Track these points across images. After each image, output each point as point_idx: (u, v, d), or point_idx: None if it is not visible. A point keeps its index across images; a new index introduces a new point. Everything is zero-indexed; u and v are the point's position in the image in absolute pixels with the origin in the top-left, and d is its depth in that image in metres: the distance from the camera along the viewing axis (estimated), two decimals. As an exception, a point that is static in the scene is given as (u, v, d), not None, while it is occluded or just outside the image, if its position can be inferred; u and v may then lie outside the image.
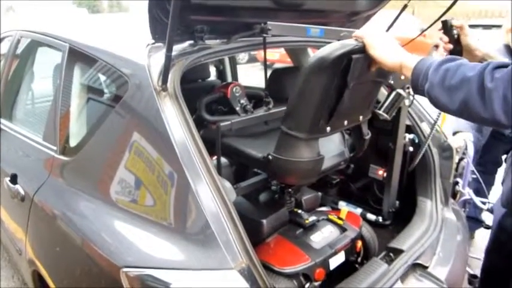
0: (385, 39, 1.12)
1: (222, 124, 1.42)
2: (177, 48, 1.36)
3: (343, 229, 1.64)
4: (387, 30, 1.89)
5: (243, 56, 10.24)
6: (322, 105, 1.22)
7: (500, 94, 0.83)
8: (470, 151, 2.37)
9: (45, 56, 1.99)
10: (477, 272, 2.16)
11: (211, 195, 1.11)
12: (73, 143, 1.49)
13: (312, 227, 1.59)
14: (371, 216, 2.07)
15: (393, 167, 1.95)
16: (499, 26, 3.66)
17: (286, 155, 1.31)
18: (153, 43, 1.36)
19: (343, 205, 2.12)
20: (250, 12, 1.48)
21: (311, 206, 1.81)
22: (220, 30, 1.48)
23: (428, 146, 1.94)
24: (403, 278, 1.48)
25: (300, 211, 1.69)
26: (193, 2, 1.22)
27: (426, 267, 1.55)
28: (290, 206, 1.68)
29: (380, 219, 2.05)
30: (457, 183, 2.51)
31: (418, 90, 1.02)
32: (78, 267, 1.32)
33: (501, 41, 2.55)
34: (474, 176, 2.45)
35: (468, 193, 2.42)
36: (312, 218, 1.63)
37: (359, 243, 1.66)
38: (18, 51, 2.16)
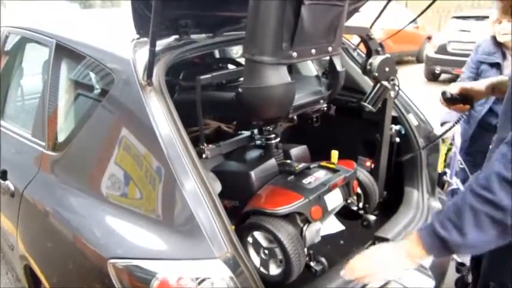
0: (370, 261, 1.06)
1: (202, 77, 1.37)
2: (162, 43, 1.38)
3: (335, 171, 1.59)
4: (373, 23, 1.91)
5: (237, 50, 10.20)
6: (280, 24, 1.17)
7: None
8: (458, 141, 2.40)
9: (34, 52, 1.99)
10: (465, 260, 2.21)
11: (197, 188, 1.13)
12: (61, 138, 1.50)
13: (303, 173, 1.53)
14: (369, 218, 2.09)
15: (380, 158, 1.98)
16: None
17: (254, 82, 1.24)
18: (138, 38, 1.37)
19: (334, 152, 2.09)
20: (235, 6, 1.49)
21: (300, 158, 1.79)
22: (205, 25, 1.49)
23: (415, 137, 1.97)
24: (388, 266, 1.51)
25: (289, 161, 1.68)
26: None
27: (411, 256, 1.58)
28: (278, 158, 1.67)
29: (375, 220, 2.07)
30: (444, 173, 2.55)
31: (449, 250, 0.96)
32: (67, 261, 1.34)
33: (489, 33, 2.59)
34: (462, 166, 2.49)
35: (456, 183, 2.46)
36: (302, 165, 1.59)
37: (355, 184, 1.63)
38: (7, 47, 2.16)
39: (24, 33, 1.99)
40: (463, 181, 2.50)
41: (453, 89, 1.41)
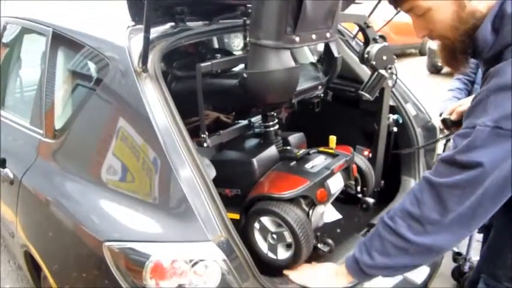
0: (306, 275, 1.27)
1: (202, 65, 1.39)
2: (158, 30, 1.38)
3: (335, 155, 1.61)
4: (371, 11, 1.90)
5: (238, 43, 10.17)
6: (285, 8, 1.21)
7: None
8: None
9: (31, 41, 2.00)
10: (462, 249, 2.22)
11: (191, 173, 1.14)
12: (57, 126, 1.51)
13: (304, 159, 1.55)
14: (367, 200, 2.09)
15: (378, 147, 1.98)
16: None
17: (258, 67, 1.28)
18: (134, 25, 1.37)
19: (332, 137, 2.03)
20: None
21: (298, 144, 1.81)
22: (201, 12, 1.49)
23: (413, 126, 1.97)
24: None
25: (288, 148, 1.70)
26: None
27: (406, 243, 1.59)
28: (278, 145, 1.68)
29: (374, 203, 2.07)
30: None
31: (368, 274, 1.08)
32: (64, 245, 1.36)
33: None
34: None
35: (454, 173, 2.47)
36: (303, 151, 1.61)
37: (354, 168, 1.66)
38: (5, 37, 2.17)
39: (22, 22, 2.00)
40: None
41: (452, 115, 1.46)
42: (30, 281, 1.95)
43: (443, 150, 2.58)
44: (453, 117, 1.47)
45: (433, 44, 8.19)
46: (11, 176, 1.64)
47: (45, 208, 1.45)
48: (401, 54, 9.96)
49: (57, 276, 1.42)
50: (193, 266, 1.06)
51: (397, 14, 1.19)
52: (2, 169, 1.69)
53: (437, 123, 2.10)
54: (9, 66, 2.19)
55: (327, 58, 1.63)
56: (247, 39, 1.30)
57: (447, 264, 2.17)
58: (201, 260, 1.07)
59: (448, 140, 2.55)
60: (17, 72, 2.20)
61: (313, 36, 1.38)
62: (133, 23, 1.37)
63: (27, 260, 1.70)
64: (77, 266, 1.34)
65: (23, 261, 1.74)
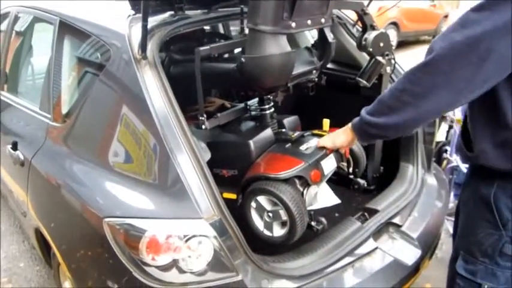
0: (333, 134, 1.45)
1: (201, 49, 1.43)
2: (157, 18, 1.43)
3: None
4: (369, 3, 1.91)
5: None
6: None
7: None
8: (458, 118, 2.41)
9: (41, 29, 2.08)
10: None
11: (187, 156, 1.20)
12: (64, 110, 1.59)
13: (298, 141, 1.60)
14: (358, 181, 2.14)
15: (377, 133, 2.00)
16: None
17: (256, 52, 1.33)
18: (134, 14, 1.43)
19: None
20: None
21: (293, 127, 1.86)
22: (199, 1, 1.54)
23: None
24: (376, 235, 1.57)
25: (283, 130, 1.75)
26: None
27: (400, 226, 1.63)
28: (273, 127, 1.73)
29: (365, 184, 2.12)
30: (446, 150, 2.56)
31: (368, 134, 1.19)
32: (70, 223, 1.45)
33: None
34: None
35: (455, 160, 2.48)
36: (297, 133, 1.66)
37: (346, 150, 1.69)
38: (16, 26, 2.25)
39: (32, 12, 2.07)
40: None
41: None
42: (42, 258, 2.06)
43: (446, 138, 2.59)
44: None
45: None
46: (22, 158, 1.73)
47: (53, 188, 1.54)
48: (415, 41, 9.80)
49: (64, 252, 1.51)
50: (186, 241, 1.13)
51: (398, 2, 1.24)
52: (13, 151, 1.78)
53: None
54: (21, 54, 2.27)
55: (321, 43, 1.67)
56: (246, 24, 1.35)
57: (448, 251, 2.20)
58: (194, 236, 1.13)
59: (450, 127, 2.56)
60: (29, 59, 2.29)
61: (309, 22, 1.42)
62: (133, 12, 1.42)
63: (38, 238, 1.80)
64: (81, 242, 1.42)
65: (34, 238, 1.84)
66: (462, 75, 0.95)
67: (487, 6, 0.92)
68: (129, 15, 1.43)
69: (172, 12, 1.47)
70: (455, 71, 0.94)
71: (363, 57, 2.07)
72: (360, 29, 1.94)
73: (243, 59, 1.38)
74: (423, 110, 1.02)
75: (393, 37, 8.77)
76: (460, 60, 0.94)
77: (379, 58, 1.76)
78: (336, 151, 1.59)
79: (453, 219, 1.44)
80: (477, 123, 1.13)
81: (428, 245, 1.64)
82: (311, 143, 1.57)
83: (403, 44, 8.97)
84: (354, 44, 2.10)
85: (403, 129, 1.13)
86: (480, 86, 0.97)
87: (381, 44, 1.76)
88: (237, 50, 1.79)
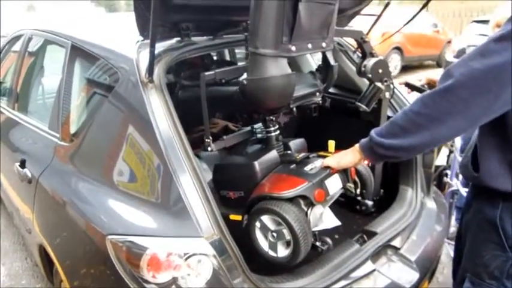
0: (339, 155, 1.46)
1: (206, 74, 1.48)
2: (164, 44, 1.50)
3: None
4: (371, 28, 1.99)
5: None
6: (280, 19, 1.30)
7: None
8: (457, 143, 2.44)
9: (53, 51, 2.16)
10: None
11: (189, 176, 1.24)
12: (72, 130, 1.65)
13: (303, 162, 1.61)
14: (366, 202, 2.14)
15: (377, 156, 2.04)
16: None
17: (257, 74, 1.36)
18: (143, 40, 1.50)
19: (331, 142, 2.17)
20: (234, 11, 1.60)
21: (299, 149, 1.86)
22: (205, 28, 1.61)
23: None
24: (374, 258, 1.58)
25: (289, 152, 1.77)
26: (175, 2, 1.35)
27: (398, 249, 1.65)
28: (279, 149, 1.75)
29: (372, 205, 2.13)
30: (446, 174, 2.58)
31: (377, 154, 1.19)
32: (74, 241, 1.48)
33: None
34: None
35: (456, 184, 2.50)
36: (303, 154, 1.68)
37: (352, 171, 1.71)
38: (30, 48, 2.35)
39: (44, 35, 2.17)
40: (464, 182, 2.53)
41: (422, 81, 1.55)
42: (44, 275, 2.08)
43: (446, 162, 2.61)
44: (421, 82, 1.52)
45: (450, 56, 8.14)
46: (30, 175, 1.78)
47: (58, 205, 1.58)
48: (419, 66, 9.92)
49: (67, 269, 1.54)
50: (186, 259, 1.15)
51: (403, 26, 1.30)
52: (21, 169, 1.83)
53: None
54: (32, 74, 2.36)
55: (324, 66, 1.72)
56: (249, 49, 1.40)
57: (450, 275, 2.19)
58: (194, 254, 1.16)
59: (451, 152, 2.59)
60: (40, 80, 2.37)
61: (309, 46, 1.46)
62: (142, 38, 1.49)
63: (42, 254, 1.83)
64: (84, 259, 1.45)
65: (38, 254, 1.87)
66: (480, 103, 0.97)
67: (507, 37, 0.95)
68: (138, 41, 1.50)
69: (179, 39, 1.54)
70: (474, 98, 0.97)
71: (363, 83, 2.13)
72: (360, 56, 2.00)
73: (244, 81, 1.42)
74: (438, 134, 1.04)
75: (397, 61, 8.91)
76: (479, 88, 0.96)
77: (378, 84, 1.81)
78: (342, 171, 1.61)
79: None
80: (486, 143, 1.14)
81: (426, 268, 1.65)
82: (316, 164, 1.59)
83: (407, 69, 9.09)
84: (355, 69, 2.17)
85: (414, 152, 1.15)
86: (495, 113, 1.00)
87: (380, 71, 1.81)
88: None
